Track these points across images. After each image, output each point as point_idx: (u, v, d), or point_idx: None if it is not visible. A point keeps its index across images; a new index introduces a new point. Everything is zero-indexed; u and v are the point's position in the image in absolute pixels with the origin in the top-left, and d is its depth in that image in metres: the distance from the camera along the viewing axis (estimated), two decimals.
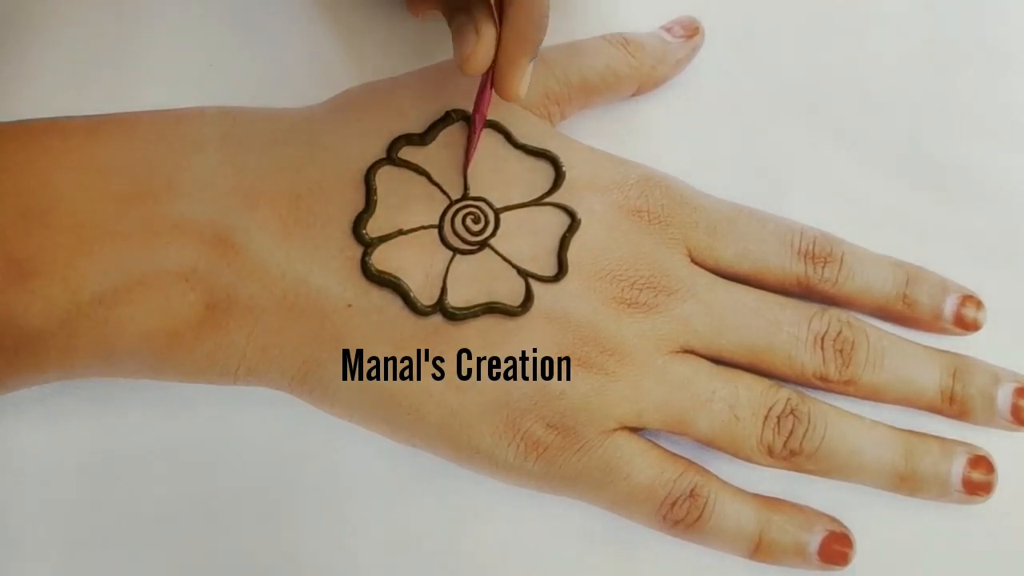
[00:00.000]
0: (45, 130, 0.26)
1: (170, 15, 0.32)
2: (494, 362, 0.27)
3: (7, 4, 0.32)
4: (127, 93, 0.31)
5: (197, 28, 0.32)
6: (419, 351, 0.27)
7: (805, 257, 0.29)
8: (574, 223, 0.28)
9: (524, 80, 0.26)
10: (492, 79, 0.26)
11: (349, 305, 0.27)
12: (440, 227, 0.28)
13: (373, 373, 0.27)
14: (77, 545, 0.28)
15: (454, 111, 0.28)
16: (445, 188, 0.28)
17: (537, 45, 0.26)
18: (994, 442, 0.29)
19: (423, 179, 0.28)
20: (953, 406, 0.29)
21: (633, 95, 0.32)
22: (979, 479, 0.28)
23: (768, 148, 0.33)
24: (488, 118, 0.29)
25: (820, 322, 0.29)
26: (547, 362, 0.27)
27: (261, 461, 0.29)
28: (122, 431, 0.29)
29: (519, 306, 0.27)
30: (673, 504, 0.27)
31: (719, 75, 0.33)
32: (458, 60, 0.26)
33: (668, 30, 0.33)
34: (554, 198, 0.28)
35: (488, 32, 0.25)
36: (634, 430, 0.28)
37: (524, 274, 0.27)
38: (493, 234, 0.28)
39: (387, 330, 0.27)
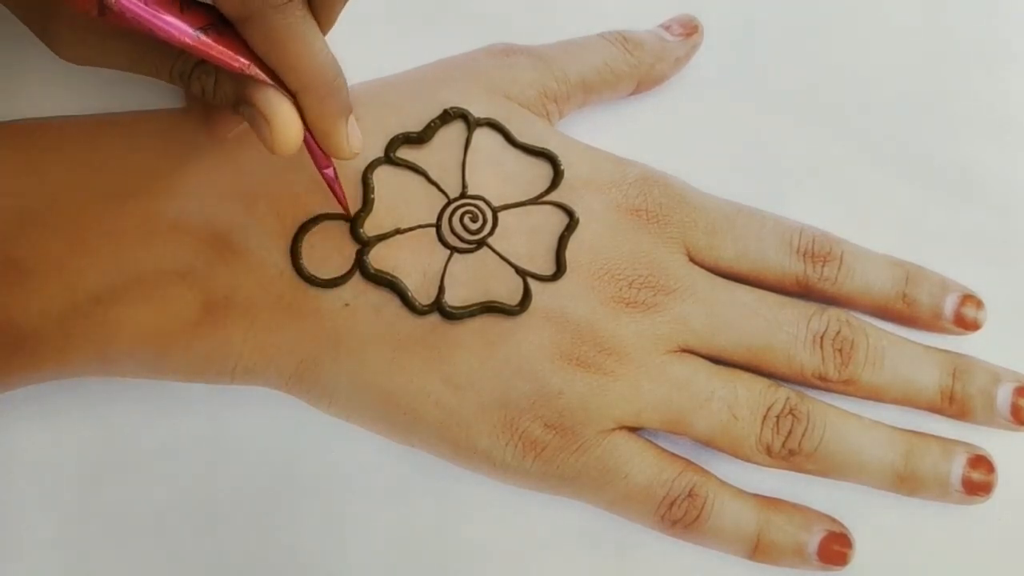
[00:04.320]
0: (43, 130, 0.27)
1: None
2: (492, 361, 0.27)
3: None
4: (125, 93, 0.31)
5: None
6: (417, 350, 0.27)
7: (804, 256, 0.29)
8: (572, 222, 0.28)
9: (350, 138, 0.25)
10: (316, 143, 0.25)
11: (347, 304, 0.27)
12: (438, 226, 0.28)
13: (370, 373, 0.27)
14: (76, 545, 0.28)
15: (452, 110, 0.28)
16: (443, 187, 0.28)
17: (344, 101, 0.24)
18: (994, 442, 0.29)
19: (421, 178, 0.28)
20: (953, 406, 0.29)
21: (632, 93, 0.32)
22: (979, 479, 0.28)
23: (768, 147, 0.33)
24: (487, 117, 0.29)
25: (819, 321, 0.29)
26: (545, 362, 0.27)
27: (259, 461, 0.29)
28: (120, 431, 0.29)
29: (517, 305, 0.27)
30: (672, 504, 0.27)
31: (718, 74, 0.33)
32: (265, 144, 0.24)
33: (667, 28, 0.33)
34: (552, 197, 0.28)
35: (279, 113, 0.23)
36: (633, 430, 0.28)
37: (522, 273, 0.27)
38: (491, 233, 0.28)
39: (385, 329, 0.27)
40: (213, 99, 0.24)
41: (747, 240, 0.29)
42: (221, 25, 0.22)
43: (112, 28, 0.24)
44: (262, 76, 0.23)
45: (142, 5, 0.21)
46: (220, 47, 0.22)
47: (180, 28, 0.22)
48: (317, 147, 0.25)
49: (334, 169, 0.26)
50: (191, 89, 0.24)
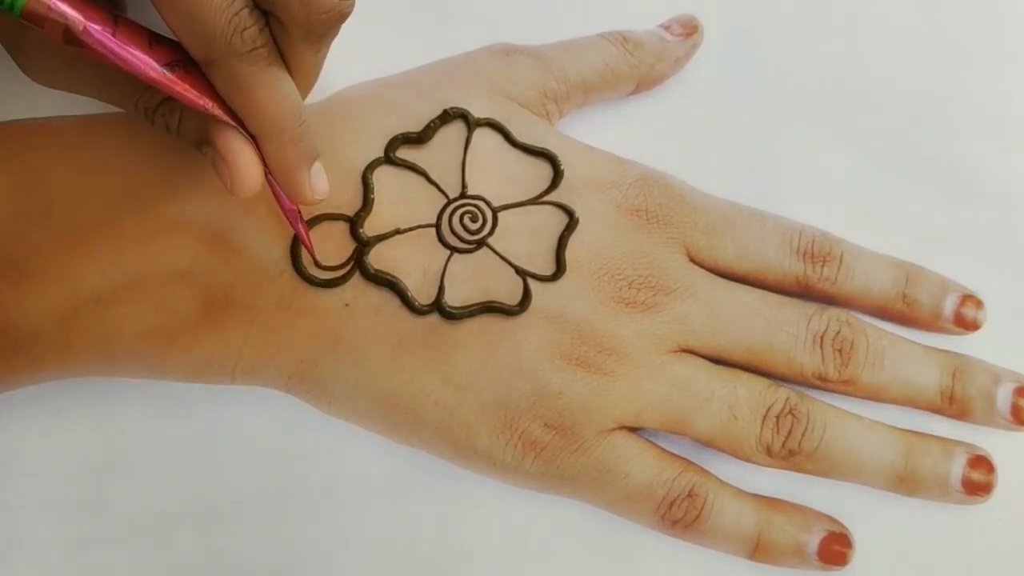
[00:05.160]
0: (42, 130, 0.27)
1: None
2: (492, 361, 0.27)
3: None
4: None
5: None
6: (417, 350, 0.27)
7: (804, 256, 0.29)
8: (572, 222, 0.28)
9: (314, 185, 0.25)
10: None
11: (346, 304, 0.27)
12: (438, 226, 0.28)
13: (370, 373, 0.27)
14: (76, 545, 0.28)
15: (452, 110, 0.28)
16: (443, 187, 0.28)
17: (307, 148, 0.24)
18: (994, 442, 0.29)
19: (420, 178, 0.28)
20: (953, 406, 0.29)
21: (632, 93, 0.32)
22: (979, 479, 0.28)
23: (768, 148, 0.32)
24: (487, 117, 0.29)
25: (819, 321, 0.29)
26: (545, 362, 0.27)
27: (259, 461, 0.29)
28: (121, 431, 0.29)
29: (517, 305, 0.27)
30: (672, 504, 0.27)
31: (718, 74, 0.33)
32: (227, 187, 0.23)
33: (667, 28, 0.33)
34: (552, 197, 0.28)
35: (240, 156, 0.23)
36: (633, 430, 0.28)
37: (522, 273, 0.27)
38: (491, 233, 0.28)
39: (385, 329, 0.27)
40: (177, 136, 0.24)
41: (747, 240, 0.29)
42: (188, 63, 0.22)
43: (80, 56, 0.24)
44: (224, 117, 0.23)
45: (110, 37, 0.21)
46: (185, 85, 0.22)
47: (147, 62, 0.22)
48: (279, 190, 0.25)
49: (299, 210, 0.26)
50: (155, 125, 0.24)
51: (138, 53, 0.22)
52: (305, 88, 0.25)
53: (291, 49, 0.23)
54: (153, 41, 0.22)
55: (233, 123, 0.23)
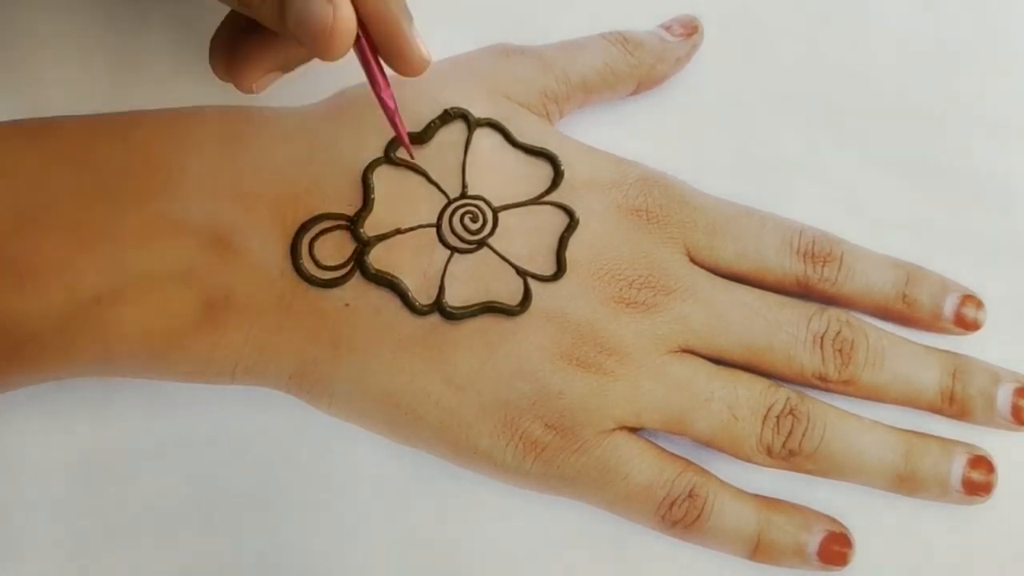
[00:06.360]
0: (42, 130, 0.27)
1: (168, 14, 0.32)
2: (492, 362, 0.27)
3: (7, 5, 0.32)
4: (125, 93, 0.31)
5: (195, 28, 0.32)
6: (417, 351, 0.27)
7: (804, 256, 0.29)
8: (573, 222, 0.28)
9: (419, 43, 0.22)
10: (377, 60, 0.22)
11: (347, 304, 0.27)
12: (438, 226, 0.28)
13: (371, 373, 0.27)
14: (76, 545, 0.28)
15: (452, 110, 0.28)
16: (443, 187, 0.28)
17: (405, 3, 0.22)
18: (994, 442, 0.29)
19: (421, 178, 0.28)
20: (953, 406, 0.29)
21: (632, 94, 0.32)
22: (979, 479, 0.28)
23: (768, 148, 0.33)
24: (487, 118, 0.29)
25: (819, 322, 0.29)
26: (545, 362, 0.27)
27: (259, 461, 0.29)
28: (121, 431, 0.29)
29: (517, 305, 0.27)
30: (672, 504, 0.27)
31: (718, 74, 0.33)
32: (316, 42, 0.21)
33: (667, 28, 0.33)
34: (553, 197, 0.28)
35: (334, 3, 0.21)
36: (633, 430, 0.28)
37: (522, 273, 0.27)
38: (491, 233, 0.28)
39: (385, 330, 0.27)
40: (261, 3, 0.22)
41: (747, 240, 0.29)
42: None
43: None
44: None
45: None
46: None
47: None
48: (375, 63, 0.22)
49: (394, 99, 0.23)
50: None
51: None
52: None
53: None
54: None
55: None
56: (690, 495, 0.27)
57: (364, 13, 0.22)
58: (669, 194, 0.29)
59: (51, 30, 0.32)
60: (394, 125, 0.26)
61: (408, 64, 0.23)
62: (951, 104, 0.33)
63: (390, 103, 0.24)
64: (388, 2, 0.22)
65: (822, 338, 0.29)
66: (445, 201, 0.28)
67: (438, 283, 0.27)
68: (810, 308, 0.29)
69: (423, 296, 0.27)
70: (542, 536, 0.29)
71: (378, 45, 0.23)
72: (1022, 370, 0.30)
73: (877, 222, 0.31)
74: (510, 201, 0.28)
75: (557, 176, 0.29)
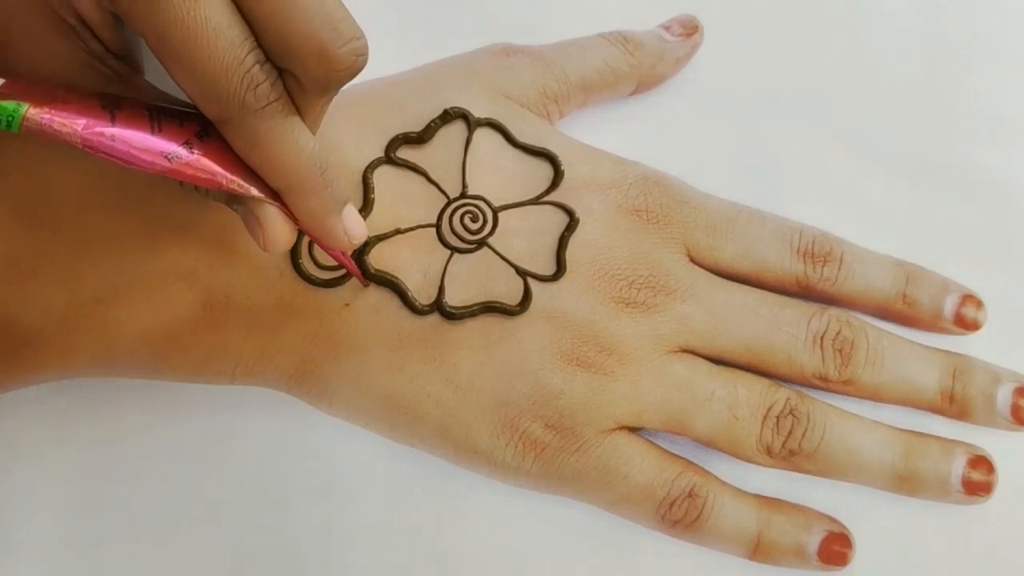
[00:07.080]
0: None
1: None
2: (492, 362, 0.27)
3: None
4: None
5: None
6: (417, 351, 0.27)
7: (804, 256, 0.29)
8: (573, 222, 0.28)
9: (348, 229, 0.24)
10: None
11: (347, 305, 0.27)
12: (438, 226, 0.28)
13: (371, 373, 0.27)
14: (77, 545, 0.28)
15: (452, 110, 0.28)
16: (443, 187, 0.28)
17: (335, 195, 0.23)
18: (994, 442, 0.29)
19: (421, 178, 0.28)
20: (953, 406, 0.29)
21: (632, 94, 0.32)
22: (979, 479, 0.28)
23: (768, 148, 0.32)
24: (487, 117, 0.29)
25: (819, 322, 0.29)
26: (546, 362, 0.27)
27: (260, 461, 0.29)
28: (121, 431, 0.29)
29: (517, 305, 0.27)
30: (672, 504, 0.27)
31: (718, 74, 0.33)
32: (257, 242, 0.23)
33: (667, 28, 0.33)
34: (553, 197, 0.28)
35: (267, 217, 0.23)
36: (633, 430, 0.28)
37: (522, 273, 0.27)
38: (491, 233, 0.28)
39: (385, 330, 0.27)
40: (206, 196, 0.24)
41: (747, 240, 0.29)
42: (203, 133, 0.22)
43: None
44: (241, 189, 0.22)
45: (109, 142, 0.21)
46: (195, 169, 0.22)
47: (153, 152, 0.22)
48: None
49: (343, 254, 0.25)
50: (183, 187, 0.24)
51: (142, 145, 0.21)
52: (314, 131, 0.24)
53: (304, 101, 0.22)
54: (158, 120, 0.22)
55: (253, 193, 0.23)
56: (690, 495, 0.27)
57: (297, 216, 0.23)
58: (669, 194, 0.29)
59: None
60: (348, 267, 0.26)
61: (336, 247, 0.24)
62: (951, 103, 0.33)
63: (340, 257, 0.26)
64: (312, 206, 0.23)
65: (822, 338, 0.29)
66: (445, 201, 0.28)
67: (438, 283, 0.27)
68: (810, 308, 0.29)
69: (423, 296, 0.27)
70: (542, 536, 0.29)
71: (312, 237, 0.24)
72: (1022, 370, 0.30)
73: (877, 222, 0.31)
74: (510, 201, 0.28)
75: (557, 176, 0.29)
